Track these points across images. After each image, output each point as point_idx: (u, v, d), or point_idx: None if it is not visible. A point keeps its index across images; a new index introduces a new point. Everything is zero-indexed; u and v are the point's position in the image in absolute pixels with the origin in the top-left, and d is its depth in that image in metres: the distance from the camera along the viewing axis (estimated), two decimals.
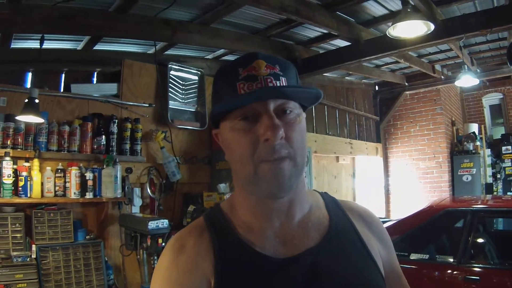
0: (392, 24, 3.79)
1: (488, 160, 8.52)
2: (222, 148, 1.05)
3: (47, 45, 3.91)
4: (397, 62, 6.77)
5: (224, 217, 1.07)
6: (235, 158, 0.99)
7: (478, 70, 7.65)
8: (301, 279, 0.96)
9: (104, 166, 3.93)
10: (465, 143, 8.36)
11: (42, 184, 3.61)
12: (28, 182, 3.50)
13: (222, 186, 4.53)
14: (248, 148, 0.94)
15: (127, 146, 4.28)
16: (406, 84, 8.34)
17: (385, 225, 3.01)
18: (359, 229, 1.10)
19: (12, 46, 3.93)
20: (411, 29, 3.87)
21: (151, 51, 4.70)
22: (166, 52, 4.86)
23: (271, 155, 0.92)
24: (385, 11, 4.78)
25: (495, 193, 8.34)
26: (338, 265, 1.00)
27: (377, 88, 8.88)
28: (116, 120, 4.21)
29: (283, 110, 0.96)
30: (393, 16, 4.24)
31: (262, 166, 0.93)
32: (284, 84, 0.96)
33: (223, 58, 5.43)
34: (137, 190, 4.29)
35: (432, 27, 3.78)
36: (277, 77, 0.96)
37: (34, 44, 3.88)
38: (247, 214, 1.04)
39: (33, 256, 3.42)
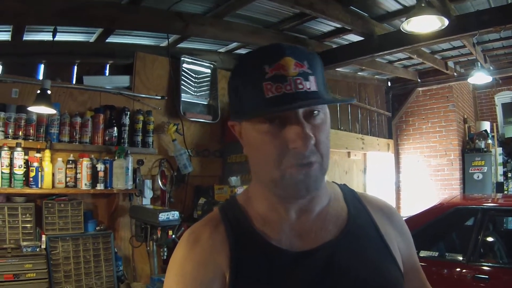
0: (406, 19, 3.77)
1: (500, 159, 8.42)
2: (241, 141, 1.03)
3: (59, 37, 3.91)
4: (410, 58, 6.71)
5: (240, 210, 1.05)
6: (259, 160, 0.96)
7: (491, 68, 7.54)
8: (317, 273, 0.95)
9: (116, 158, 3.95)
10: (477, 141, 8.27)
11: (53, 175, 3.63)
12: (39, 173, 3.53)
13: (234, 179, 4.51)
14: (275, 154, 0.90)
15: (139, 138, 4.29)
16: (419, 80, 8.25)
17: None
18: (378, 222, 1.08)
19: (24, 38, 3.95)
20: (425, 24, 3.84)
21: (164, 44, 4.70)
22: (179, 45, 4.85)
23: (301, 161, 0.90)
24: (399, 6, 4.73)
25: (506, 192, 8.26)
26: (356, 260, 0.98)
27: (389, 84, 8.79)
28: (128, 112, 4.22)
29: (311, 111, 0.92)
30: (407, 12, 4.20)
31: (290, 171, 0.90)
32: (314, 85, 0.90)
33: (236, 51, 5.41)
34: (148, 182, 4.31)
35: (446, 22, 3.75)
36: (306, 77, 0.89)
37: (46, 36, 3.89)
38: (264, 207, 1.03)
39: (43, 246, 3.44)
